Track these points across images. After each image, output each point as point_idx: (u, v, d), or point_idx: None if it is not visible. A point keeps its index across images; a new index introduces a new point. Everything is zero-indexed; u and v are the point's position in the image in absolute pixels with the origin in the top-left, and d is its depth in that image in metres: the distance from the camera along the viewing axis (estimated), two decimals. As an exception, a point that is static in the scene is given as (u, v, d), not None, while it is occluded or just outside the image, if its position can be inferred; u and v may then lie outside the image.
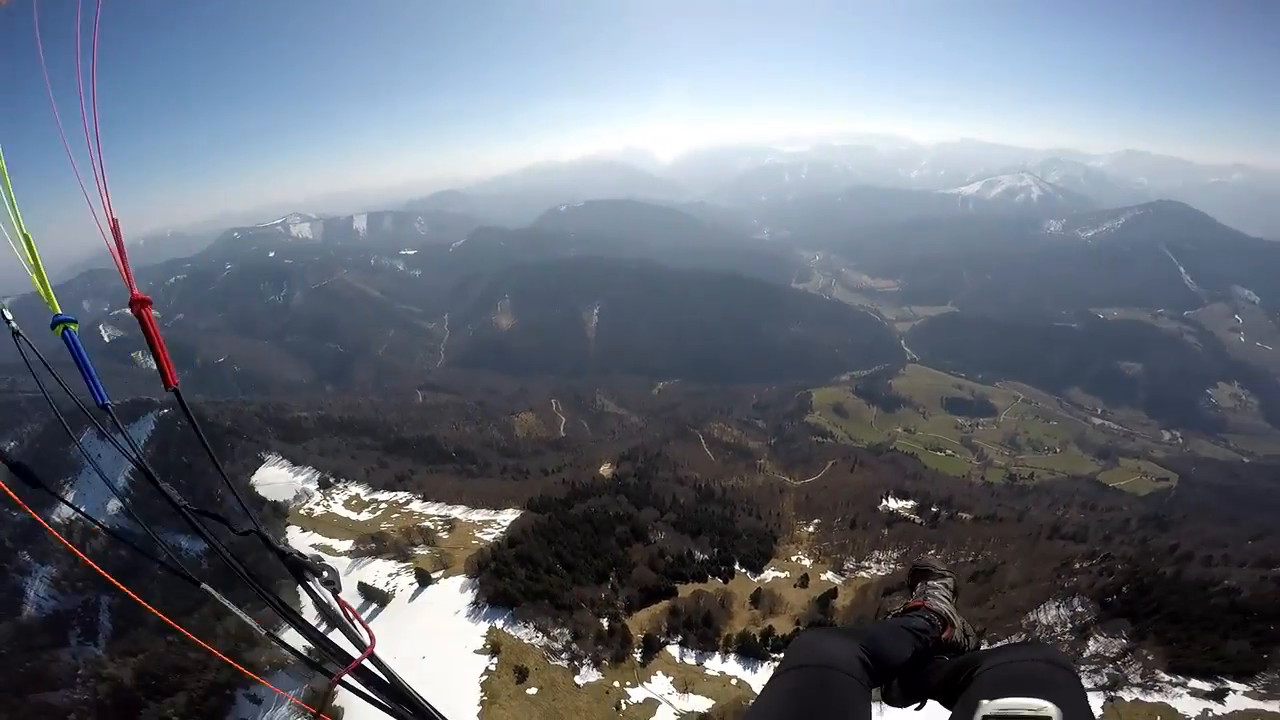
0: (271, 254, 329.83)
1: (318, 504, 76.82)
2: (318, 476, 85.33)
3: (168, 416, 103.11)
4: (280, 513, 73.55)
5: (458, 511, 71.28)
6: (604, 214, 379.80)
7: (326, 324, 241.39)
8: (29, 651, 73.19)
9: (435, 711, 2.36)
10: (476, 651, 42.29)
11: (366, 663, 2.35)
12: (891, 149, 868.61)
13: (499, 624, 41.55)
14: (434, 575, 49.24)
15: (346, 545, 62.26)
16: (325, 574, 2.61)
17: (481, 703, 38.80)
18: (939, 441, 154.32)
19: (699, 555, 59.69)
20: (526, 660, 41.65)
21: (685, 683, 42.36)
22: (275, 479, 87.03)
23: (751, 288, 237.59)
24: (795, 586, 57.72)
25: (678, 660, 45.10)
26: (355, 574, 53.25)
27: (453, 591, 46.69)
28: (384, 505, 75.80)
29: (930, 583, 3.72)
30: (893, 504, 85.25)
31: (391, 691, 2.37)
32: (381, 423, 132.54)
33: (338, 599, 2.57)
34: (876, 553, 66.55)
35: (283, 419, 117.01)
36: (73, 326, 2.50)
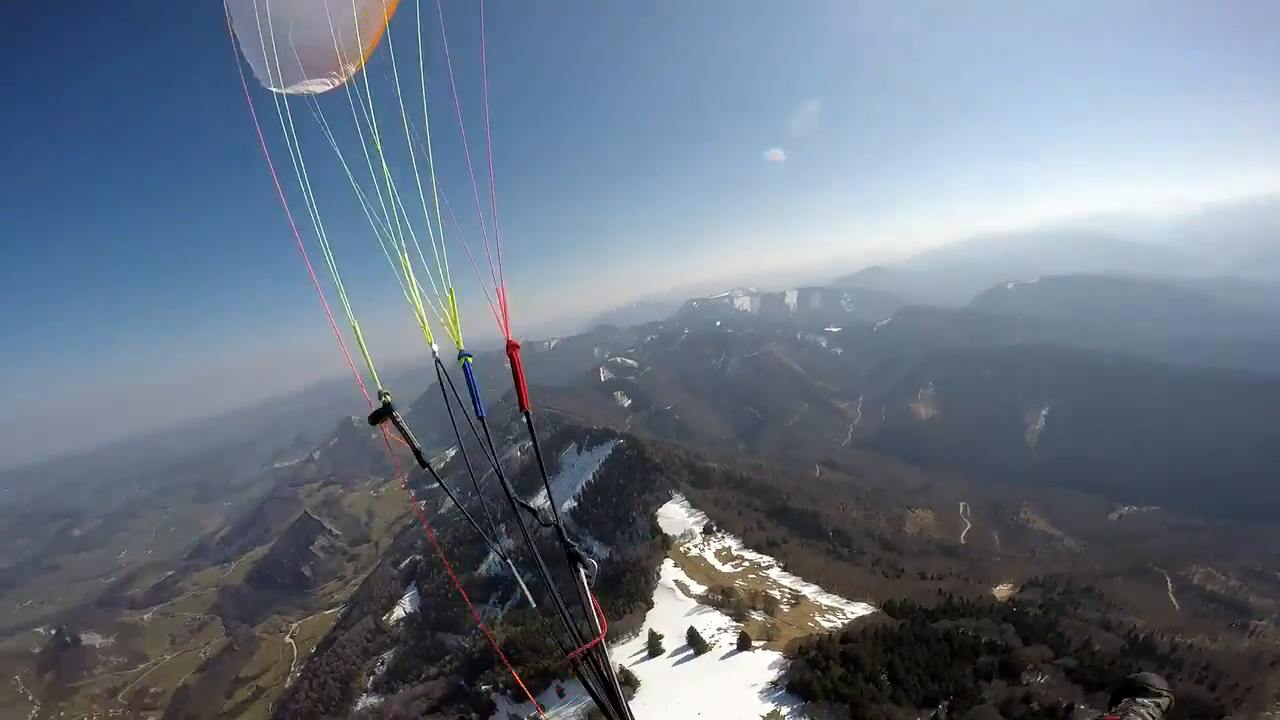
0: (718, 323, 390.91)
1: (695, 546, 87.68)
2: (705, 522, 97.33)
3: (621, 446, 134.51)
4: (666, 544, 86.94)
5: (810, 590, 70.96)
6: (1066, 292, 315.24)
7: (750, 390, 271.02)
8: (460, 601, 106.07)
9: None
10: (748, 728, 41.21)
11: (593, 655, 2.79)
12: None
13: (784, 711, 40.32)
14: (755, 643, 50.89)
15: (700, 590, 69.58)
16: (587, 569, 3.22)
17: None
18: None
19: (1085, 712, 43.97)
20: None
21: None
22: (674, 514, 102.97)
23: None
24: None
25: None
26: (693, 618, 59.16)
27: (762, 664, 47.36)
28: (746, 563, 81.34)
29: (1139, 700, 3.31)
30: None
31: (607, 688, 2.77)
32: (774, 488, 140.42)
33: (586, 589, 3.13)
34: None
35: (696, 465, 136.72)
36: (470, 359, 3.26)
